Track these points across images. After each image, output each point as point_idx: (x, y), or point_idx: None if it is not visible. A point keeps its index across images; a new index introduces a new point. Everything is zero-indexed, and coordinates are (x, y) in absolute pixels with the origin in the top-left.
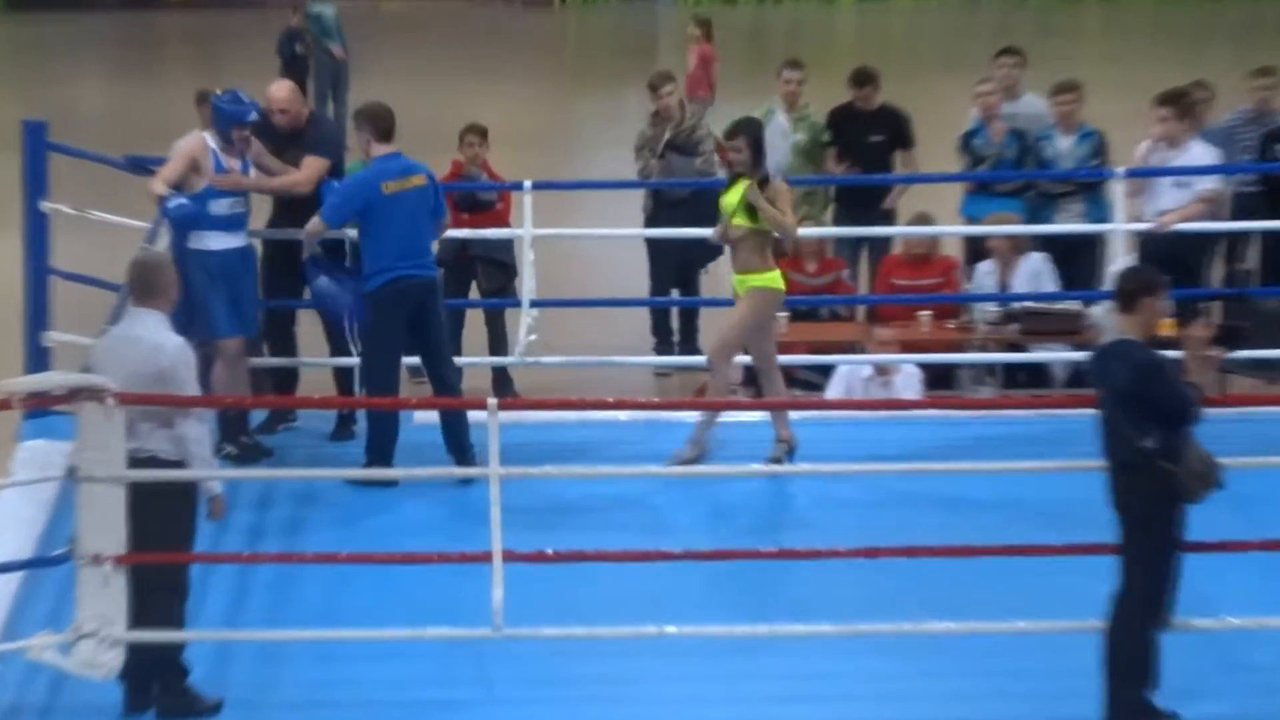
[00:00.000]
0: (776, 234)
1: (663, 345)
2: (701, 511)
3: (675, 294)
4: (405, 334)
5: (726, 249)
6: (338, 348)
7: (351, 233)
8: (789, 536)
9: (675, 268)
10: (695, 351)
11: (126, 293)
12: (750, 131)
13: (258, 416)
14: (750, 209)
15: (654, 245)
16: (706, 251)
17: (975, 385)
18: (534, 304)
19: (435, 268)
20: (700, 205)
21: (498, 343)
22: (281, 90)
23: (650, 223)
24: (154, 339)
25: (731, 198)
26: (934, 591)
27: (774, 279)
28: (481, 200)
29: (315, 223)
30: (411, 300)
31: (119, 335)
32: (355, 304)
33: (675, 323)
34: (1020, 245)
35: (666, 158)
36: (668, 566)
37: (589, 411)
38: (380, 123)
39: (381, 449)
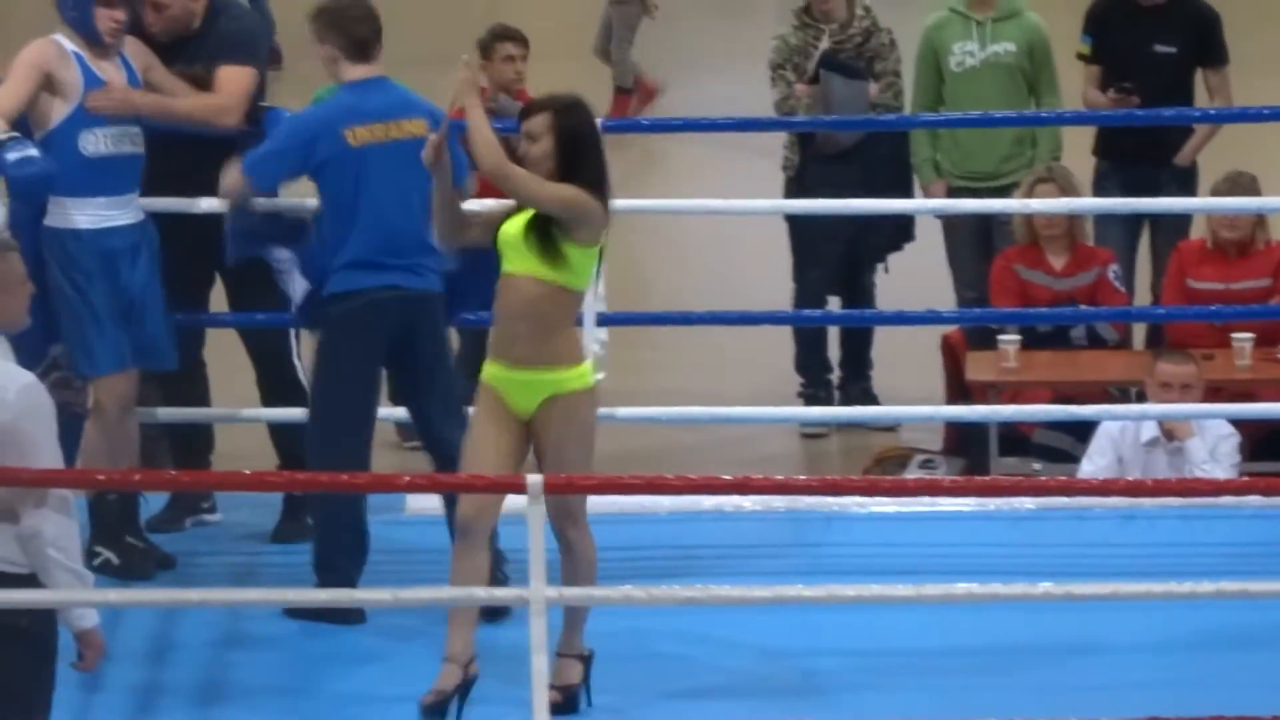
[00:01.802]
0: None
1: (814, 387)
2: (879, 658)
3: (834, 305)
4: (374, 373)
5: None
6: (277, 387)
7: (313, 202)
8: (1024, 706)
9: (837, 260)
10: (865, 397)
11: None
12: (563, 114)
13: (154, 503)
14: (551, 248)
15: (801, 224)
16: (886, 235)
17: None
18: (604, 320)
19: (436, 272)
20: (879, 159)
21: None
22: None
23: (796, 187)
24: None
25: (514, 226)
26: None
27: (588, 373)
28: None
29: (234, 176)
30: (394, 324)
31: None
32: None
33: (834, 351)
34: None
35: (823, 81)
36: None
37: (692, 496)
38: (354, 29)
39: (341, 557)
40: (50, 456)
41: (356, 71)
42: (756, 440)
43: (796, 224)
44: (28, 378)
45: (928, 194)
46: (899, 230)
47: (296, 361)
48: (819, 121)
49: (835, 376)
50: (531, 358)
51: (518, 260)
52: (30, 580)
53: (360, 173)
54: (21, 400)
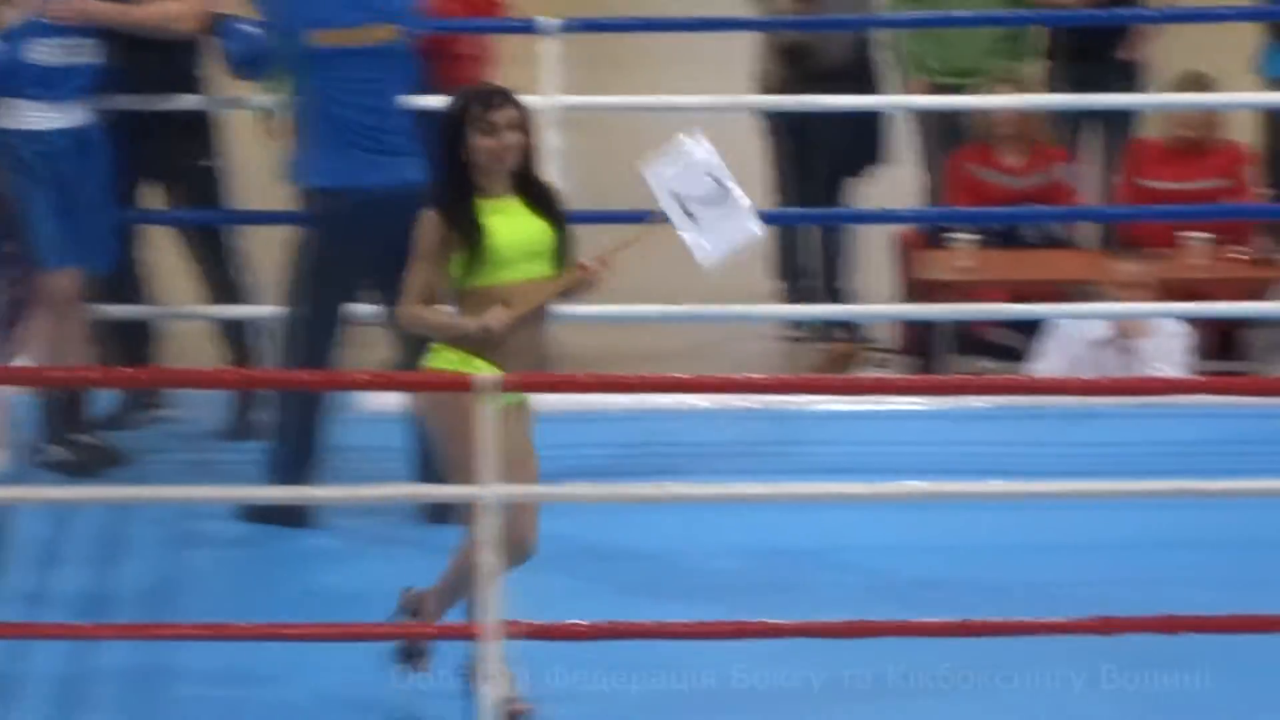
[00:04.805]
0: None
1: (795, 289)
2: (830, 556)
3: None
4: (361, 274)
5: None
6: (220, 285)
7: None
8: (975, 606)
9: (821, 175)
10: (839, 298)
11: None
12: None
13: (103, 401)
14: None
15: (782, 133)
16: (869, 147)
17: (1278, 354)
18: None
19: (417, 169)
20: (871, 82)
21: None
22: None
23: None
24: None
25: (519, 228)
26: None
27: None
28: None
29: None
30: (375, 224)
31: None
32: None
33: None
34: None
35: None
36: (777, 650)
37: (655, 395)
38: None
39: (299, 458)
40: None
41: None
42: (734, 341)
43: (778, 130)
44: None
45: (909, 92)
46: (879, 143)
47: (238, 261)
48: (790, 22)
49: (817, 281)
50: (538, 350)
51: (536, 263)
52: None
53: (333, 76)
54: None
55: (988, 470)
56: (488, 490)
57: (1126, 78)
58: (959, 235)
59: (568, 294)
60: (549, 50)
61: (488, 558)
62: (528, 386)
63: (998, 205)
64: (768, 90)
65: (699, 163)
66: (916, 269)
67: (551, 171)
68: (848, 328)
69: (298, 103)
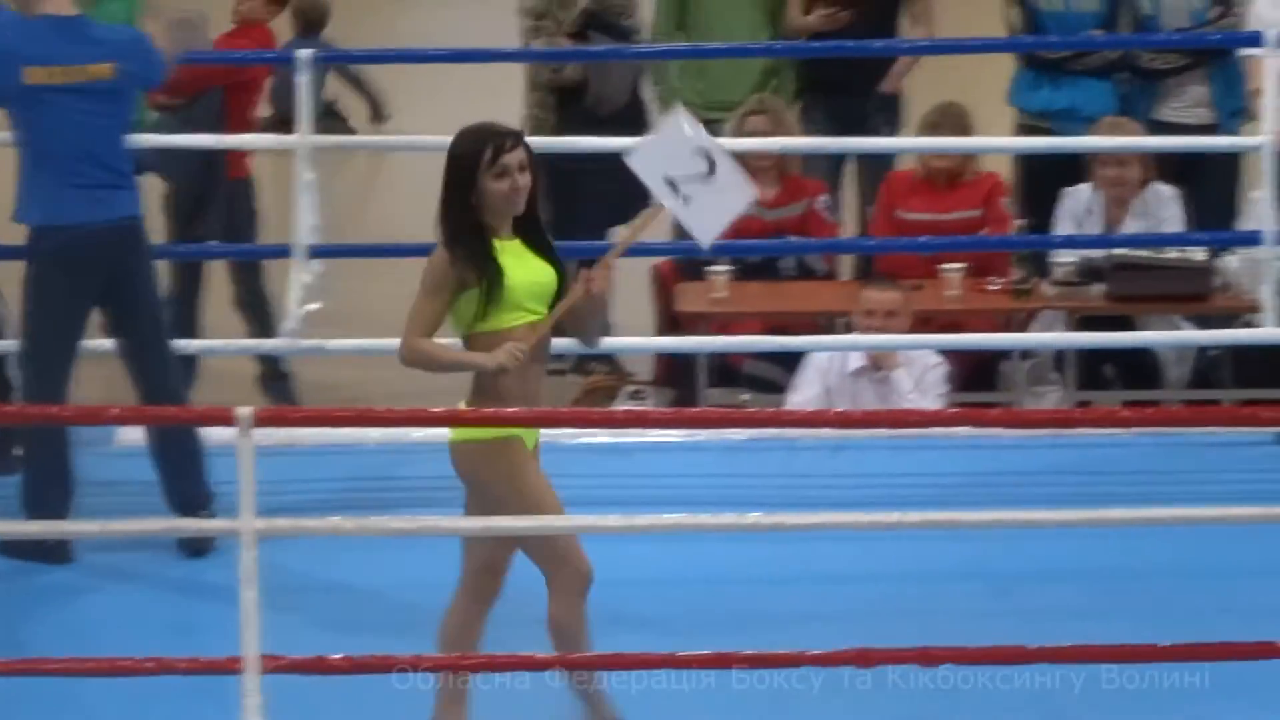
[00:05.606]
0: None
1: None
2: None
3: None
4: (84, 308)
5: None
6: None
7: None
8: (732, 637)
9: (592, 219)
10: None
11: None
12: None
13: None
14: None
15: (551, 175)
16: (639, 192)
17: (1034, 386)
18: (317, 253)
19: (133, 204)
20: (643, 122)
21: (257, 315)
22: None
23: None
24: None
25: (529, 269)
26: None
27: None
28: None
29: None
30: (91, 260)
31: None
32: None
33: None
34: (1146, 170)
35: (595, 43)
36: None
37: (401, 429)
38: None
39: (47, 492)
40: None
41: (48, 3)
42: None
43: (547, 184)
44: None
45: None
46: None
47: None
48: (547, 53)
49: None
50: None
51: (540, 305)
52: None
53: (45, 113)
54: None
55: (744, 502)
56: (246, 525)
57: (884, 109)
58: (715, 267)
59: (576, 315)
60: (300, 86)
61: (250, 592)
62: (287, 421)
63: (753, 237)
64: (536, 132)
65: (687, 140)
66: (673, 301)
67: (305, 207)
68: (606, 360)
69: (17, 139)
